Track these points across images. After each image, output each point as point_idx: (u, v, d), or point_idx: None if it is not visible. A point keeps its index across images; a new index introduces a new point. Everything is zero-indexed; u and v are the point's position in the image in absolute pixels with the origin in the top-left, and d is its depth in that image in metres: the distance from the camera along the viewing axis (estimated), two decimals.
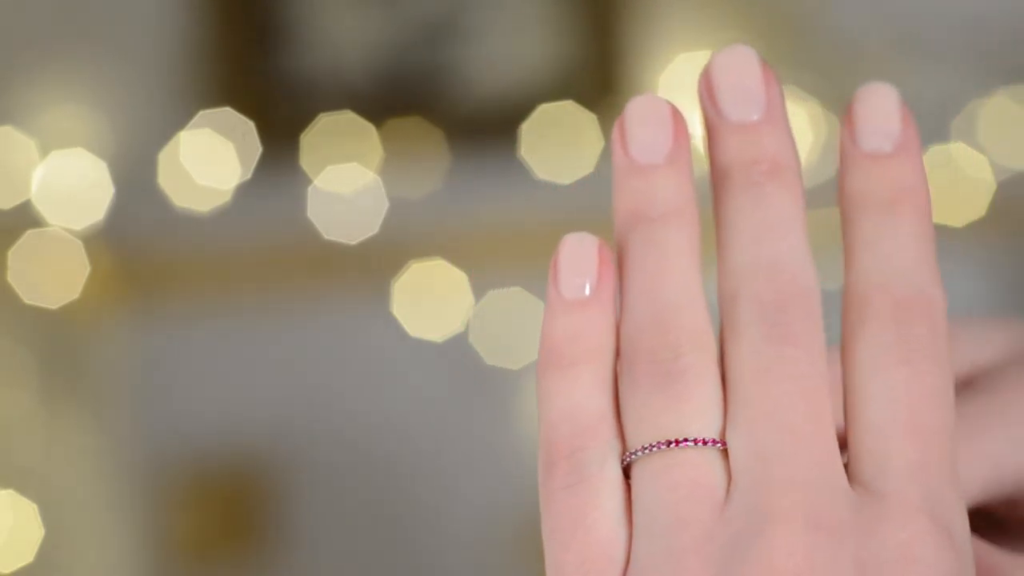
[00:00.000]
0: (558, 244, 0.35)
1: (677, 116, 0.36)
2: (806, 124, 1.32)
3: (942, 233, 1.36)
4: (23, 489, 1.26)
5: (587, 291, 0.34)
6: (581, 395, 0.34)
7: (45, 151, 1.29)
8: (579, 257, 0.35)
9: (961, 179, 1.32)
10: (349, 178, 1.33)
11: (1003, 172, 1.32)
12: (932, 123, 1.32)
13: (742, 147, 0.36)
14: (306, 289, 1.37)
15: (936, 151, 1.32)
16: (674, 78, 1.33)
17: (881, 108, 0.36)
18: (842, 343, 0.34)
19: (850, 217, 0.35)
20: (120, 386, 1.39)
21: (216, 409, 1.39)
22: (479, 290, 1.34)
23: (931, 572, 0.31)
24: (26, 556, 1.24)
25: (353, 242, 1.33)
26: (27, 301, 1.29)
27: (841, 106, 1.34)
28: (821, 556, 0.30)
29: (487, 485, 1.39)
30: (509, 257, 1.35)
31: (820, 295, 0.34)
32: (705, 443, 0.32)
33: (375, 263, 1.33)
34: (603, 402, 0.34)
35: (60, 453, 1.34)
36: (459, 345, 1.34)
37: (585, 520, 0.33)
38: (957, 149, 1.32)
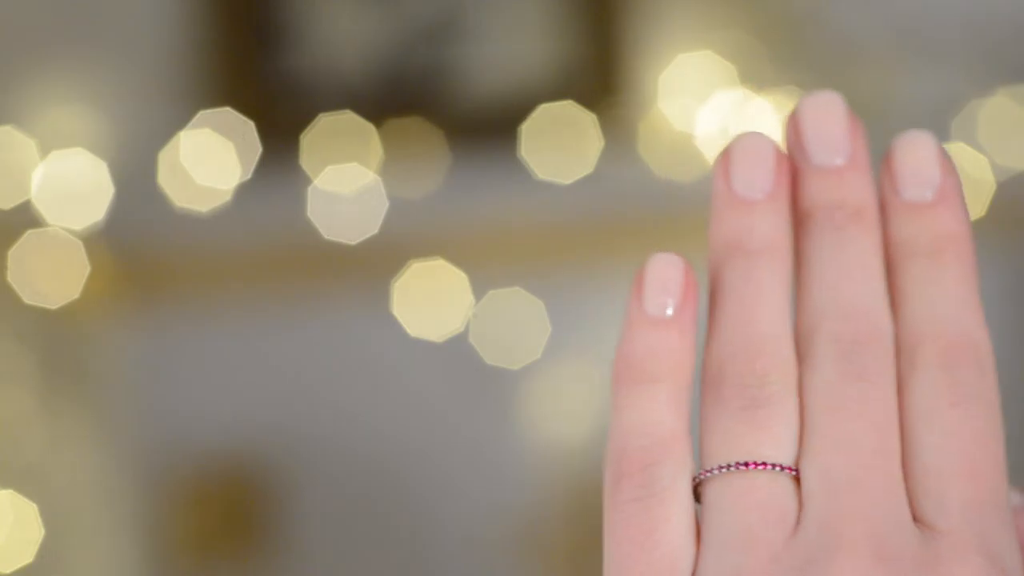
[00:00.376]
0: (646, 261, 0.36)
1: (780, 155, 0.37)
2: None
3: None
4: (23, 489, 1.26)
5: (670, 311, 0.35)
6: (658, 411, 0.35)
7: (45, 151, 1.29)
8: (666, 276, 0.36)
9: (961, 179, 1.32)
10: (349, 178, 1.33)
11: (1003, 172, 1.32)
12: (932, 123, 1.32)
13: (826, 190, 0.37)
14: (306, 289, 1.37)
15: None
16: (674, 78, 1.33)
17: (921, 157, 0.37)
18: (897, 388, 0.35)
19: (896, 265, 0.37)
20: (120, 386, 1.39)
21: (216, 408, 1.40)
22: (479, 290, 1.34)
23: None
24: (26, 556, 1.24)
25: (353, 242, 1.33)
26: (27, 301, 1.29)
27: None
28: None
29: (487, 485, 1.39)
30: (509, 257, 1.35)
31: (893, 336, 0.35)
32: (781, 468, 0.33)
33: (375, 263, 1.33)
34: (678, 420, 0.35)
35: (60, 453, 1.34)
36: (459, 345, 1.34)
37: (655, 534, 0.33)
38: (957, 149, 1.32)
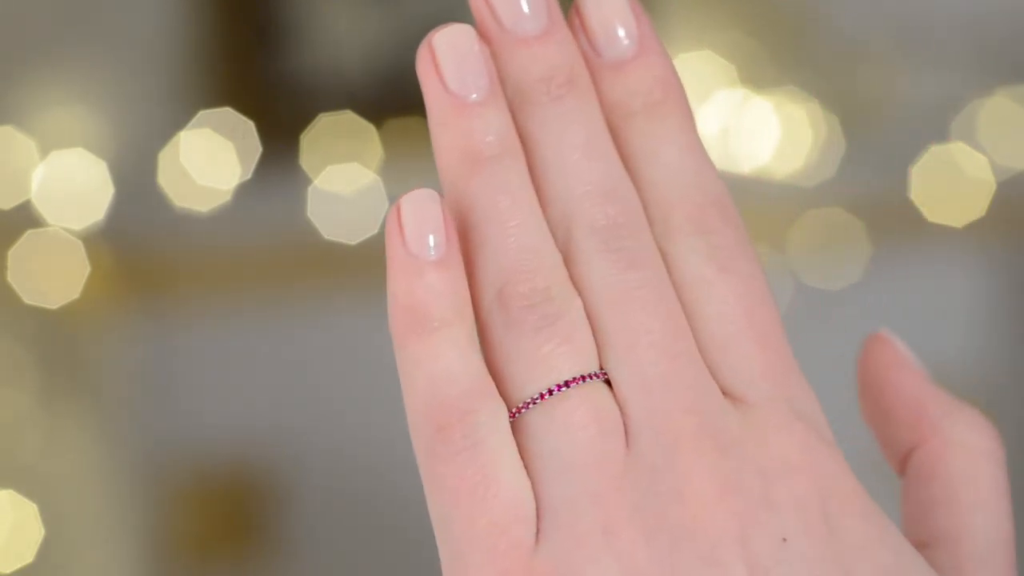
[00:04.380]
0: (397, 203, 0.35)
1: (484, 46, 0.36)
2: (806, 124, 1.32)
3: (942, 233, 1.37)
4: (23, 489, 1.26)
5: (437, 249, 0.34)
6: (460, 357, 0.33)
7: (45, 151, 1.29)
8: (426, 215, 0.35)
9: (961, 179, 1.32)
10: (349, 178, 1.33)
11: (1003, 172, 1.32)
12: (932, 123, 1.32)
13: (532, 61, 0.35)
14: (306, 289, 1.37)
15: (936, 151, 1.32)
16: None
17: (610, 10, 0.36)
18: (663, 259, 0.34)
19: (618, 128, 0.35)
20: (120, 386, 1.39)
21: (216, 409, 1.40)
22: None
23: (820, 473, 0.31)
24: (26, 556, 1.24)
25: (353, 242, 1.33)
26: (27, 301, 1.29)
27: (841, 106, 1.34)
28: (732, 475, 0.31)
29: None
30: None
31: (640, 204, 0.34)
32: (594, 377, 0.32)
33: (375, 263, 1.33)
34: (479, 361, 0.33)
35: (60, 453, 1.34)
36: None
37: (492, 482, 0.32)
38: (957, 149, 1.32)
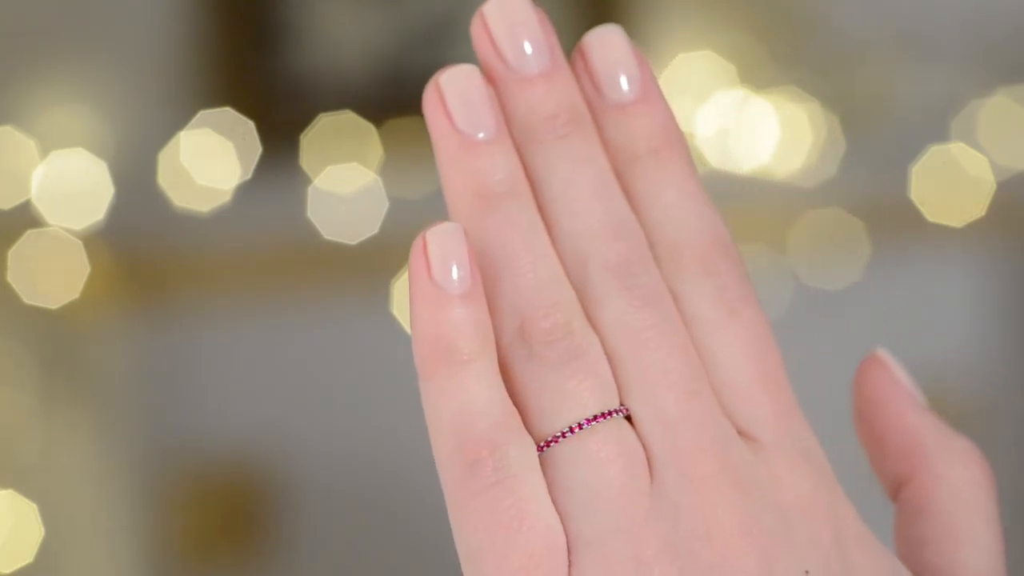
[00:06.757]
0: (422, 235, 0.35)
1: (489, 86, 0.36)
2: (806, 124, 1.32)
3: (942, 233, 1.37)
4: (23, 489, 1.26)
5: (462, 283, 0.34)
6: (486, 390, 0.33)
7: (45, 151, 1.29)
8: (451, 247, 0.34)
9: (961, 179, 1.32)
10: (349, 178, 1.33)
11: (1003, 172, 1.32)
12: (932, 123, 1.32)
13: (538, 100, 0.36)
14: (306, 289, 1.37)
15: (936, 151, 1.32)
16: (674, 78, 1.33)
17: (616, 53, 0.36)
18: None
19: (621, 171, 0.35)
20: (120, 386, 1.39)
21: (216, 408, 1.40)
22: None
23: (831, 512, 0.32)
24: (26, 556, 1.24)
25: (353, 242, 1.33)
26: (27, 301, 1.29)
27: (841, 106, 1.34)
28: (754, 513, 0.32)
29: None
30: None
31: (647, 242, 0.34)
32: (616, 413, 0.33)
33: (375, 263, 1.33)
34: (505, 395, 0.33)
35: (60, 453, 1.34)
36: None
37: (527, 515, 0.32)
38: (957, 149, 1.32)
